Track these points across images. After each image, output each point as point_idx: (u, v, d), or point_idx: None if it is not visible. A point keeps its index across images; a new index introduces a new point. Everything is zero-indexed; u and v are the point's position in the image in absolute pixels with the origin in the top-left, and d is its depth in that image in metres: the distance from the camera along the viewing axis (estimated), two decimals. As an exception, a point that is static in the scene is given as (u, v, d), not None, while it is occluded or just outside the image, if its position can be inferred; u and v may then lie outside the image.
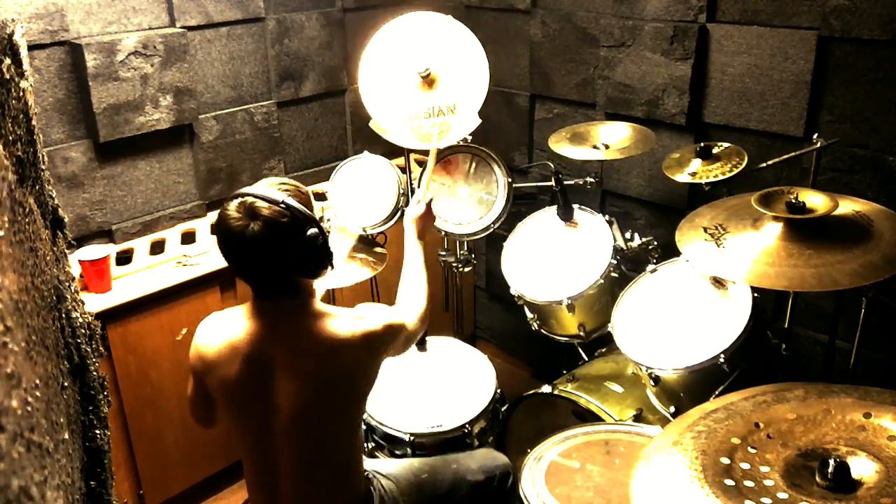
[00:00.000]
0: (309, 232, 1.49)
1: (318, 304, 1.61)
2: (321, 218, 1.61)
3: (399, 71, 2.29)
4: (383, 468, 1.87)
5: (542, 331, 2.51)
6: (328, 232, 1.61)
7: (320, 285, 1.71)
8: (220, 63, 2.82)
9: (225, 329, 1.59)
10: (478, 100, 2.24)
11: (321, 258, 1.55)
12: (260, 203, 1.46)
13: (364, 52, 2.32)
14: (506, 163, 2.39)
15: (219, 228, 1.49)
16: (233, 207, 1.47)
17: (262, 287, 1.56)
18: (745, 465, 1.09)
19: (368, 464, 1.86)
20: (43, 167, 1.28)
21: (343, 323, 1.57)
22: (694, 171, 2.20)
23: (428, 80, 2.27)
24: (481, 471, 1.94)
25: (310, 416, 1.56)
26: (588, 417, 2.13)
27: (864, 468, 1.06)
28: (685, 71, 2.47)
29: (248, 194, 1.48)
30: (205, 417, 1.79)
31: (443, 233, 2.42)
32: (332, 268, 1.60)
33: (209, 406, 1.72)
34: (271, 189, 1.50)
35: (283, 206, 1.46)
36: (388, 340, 1.64)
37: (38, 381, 0.79)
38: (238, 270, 1.56)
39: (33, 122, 1.23)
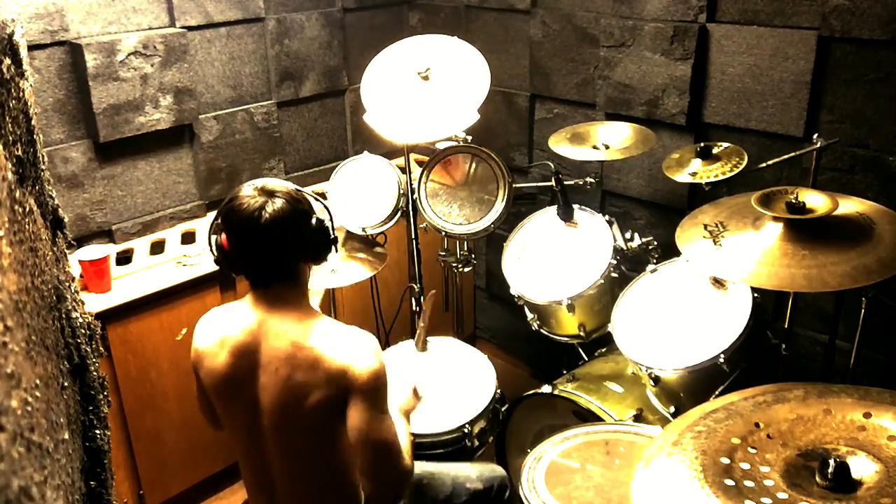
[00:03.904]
0: (319, 216, 1.59)
1: (309, 304, 1.62)
2: (329, 220, 1.65)
3: (400, 72, 2.30)
4: None
5: (542, 331, 2.51)
6: (332, 220, 1.66)
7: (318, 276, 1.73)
8: (220, 63, 2.82)
9: (220, 322, 1.62)
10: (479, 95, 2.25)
11: (328, 242, 1.62)
12: (275, 185, 1.54)
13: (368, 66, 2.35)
14: (506, 163, 2.39)
15: (230, 212, 1.51)
16: (246, 192, 1.52)
17: (263, 273, 1.56)
18: (745, 465, 1.09)
19: None
20: (43, 167, 1.28)
21: (319, 336, 1.52)
22: (694, 171, 2.20)
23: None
24: (479, 480, 1.94)
25: (287, 417, 1.54)
26: (588, 417, 2.13)
27: (864, 468, 1.06)
28: (685, 71, 2.47)
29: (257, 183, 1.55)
30: (211, 416, 1.79)
31: (443, 233, 2.42)
32: (336, 251, 1.66)
33: (212, 404, 1.72)
34: (276, 180, 1.58)
35: (295, 190, 1.56)
36: (357, 377, 1.49)
37: (38, 381, 0.79)
38: (243, 256, 1.54)
39: (33, 122, 1.23)
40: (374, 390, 1.52)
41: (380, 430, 1.51)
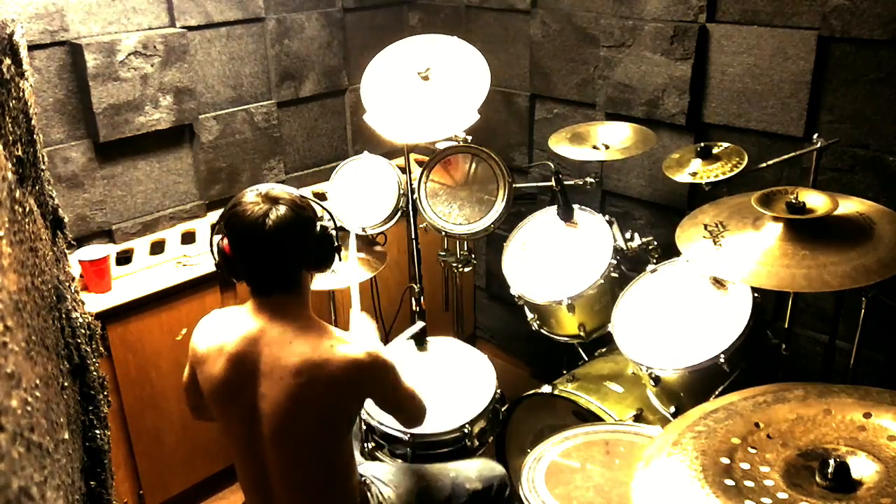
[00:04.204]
0: (323, 223, 1.58)
1: (311, 313, 1.61)
2: (321, 218, 1.63)
3: (400, 72, 2.30)
4: (381, 474, 1.87)
5: (542, 331, 2.51)
6: (336, 227, 1.66)
7: (320, 280, 1.75)
8: (220, 63, 2.82)
9: (219, 327, 1.61)
10: (478, 97, 2.25)
11: (332, 251, 1.61)
12: (278, 191, 1.52)
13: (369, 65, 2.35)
14: (506, 163, 2.39)
15: (233, 217, 1.50)
16: (249, 198, 1.51)
17: (265, 281, 1.56)
18: (745, 465, 1.09)
19: (366, 469, 1.86)
20: (43, 167, 1.28)
21: (325, 345, 1.53)
22: (694, 171, 2.20)
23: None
24: (479, 480, 1.94)
25: (290, 425, 1.54)
26: (588, 417, 2.13)
27: (864, 468, 1.06)
28: (685, 71, 2.47)
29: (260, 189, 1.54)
30: (196, 406, 1.80)
31: (443, 233, 2.42)
32: (340, 259, 1.65)
33: (200, 396, 1.72)
34: (279, 186, 1.57)
35: (299, 197, 1.54)
36: (370, 378, 1.57)
37: (38, 381, 0.79)
38: (245, 263, 1.54)
39: (33, 122, 1.23)
40: (390, 377, 1.62)
41: (406, 400, 1.71)
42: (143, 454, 2.50)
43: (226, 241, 1.54)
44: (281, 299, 1.56)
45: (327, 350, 1.52)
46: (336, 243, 1.62)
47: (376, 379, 1.59)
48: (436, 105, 2.29)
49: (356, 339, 1.58)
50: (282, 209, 1.48)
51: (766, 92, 2.32)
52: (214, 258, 1.59)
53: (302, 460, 1.59)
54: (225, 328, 1.59)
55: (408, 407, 1.74)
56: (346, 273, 2.29)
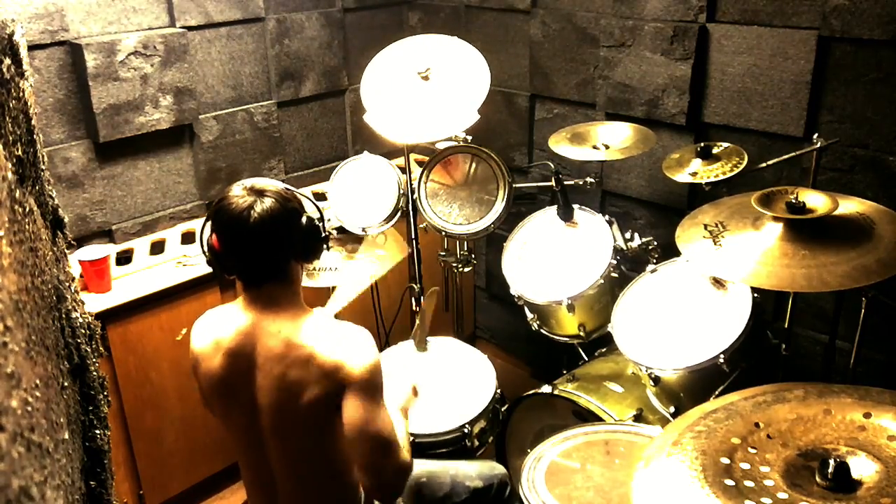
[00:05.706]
0: (309, 214, 1.59)
1: (303, 303, 1.61)
2: (320, 218, 1.64)
3: (400, 72, 2.31)
4: None
5: (542, 331, 2.51)
6: (327, 221, 1.65)
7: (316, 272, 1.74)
8: (220, 63, 2.82)
9: (214, 324, 1.61)
10: (478, 97, 2.25)
11: (319, 241, 1.62)
12: (264, 184, 1.53)
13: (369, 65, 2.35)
14: (506, 163, 2.39)
15: (220, 212, 1.50)
16: (236, 191, 1.51)
17: (254, 272, 1.56)
18: (745, 465, 1.09)
19: None
20: (43, 167, 1.28)
21: (312, 335, 1.52)
22: (694, 171, 2.19)
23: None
24: (479, 478, 1.94)
25: (285, 415, 1.54)
26: (588, 417, 2.13)
27: (864, 468, 1.06)
28: (685, 71, 2.47)
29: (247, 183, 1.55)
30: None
31: (443, 233, 2.42)
32: (328, 249, 1.65)
33: None
34: (266, 180, 1.57)
35: (284, 189, 1.55)
36: (345, 377, 1.48)
37: (38, 381, 0.79)
38: (233, 256, 1.54)
39: (33, 122, 1.23)
40: (370, 384, 1.51)
41: (375, 423, 1.48)
42: (143, 454, 2.50)
43: (214, 236, 1.54)
44: (272, 291, 1.56)
45: (314, 338, 1.52)
46: (323, 234, 1.63)
47: (357, 376, 1.49)
48: (436, 105, 2.29)
49: (345, 328, 1.56)
50: (267, 201, 1.49)
51: (766, 92, 2.32)
52: (205, 254, 1.60)
53: (301, 453, 1.59)
54: (220, 324, 1.60)
55: (380, 437, 1.48)
56: (358, 273, 2.30)
